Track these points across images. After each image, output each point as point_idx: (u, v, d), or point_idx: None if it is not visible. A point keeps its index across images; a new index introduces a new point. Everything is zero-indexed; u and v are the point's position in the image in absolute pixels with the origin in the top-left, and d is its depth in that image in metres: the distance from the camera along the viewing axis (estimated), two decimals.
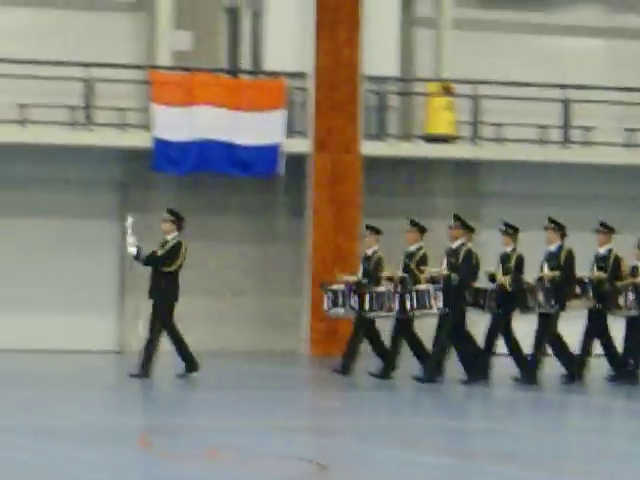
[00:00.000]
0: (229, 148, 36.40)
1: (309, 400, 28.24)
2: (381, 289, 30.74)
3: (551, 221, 30.95)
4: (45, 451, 19.78)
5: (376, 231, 31.46)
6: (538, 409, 28.48)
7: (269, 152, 36.57)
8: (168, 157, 36.30)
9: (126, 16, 38.67)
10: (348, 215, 33.07)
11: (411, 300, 29.97)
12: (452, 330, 30.50)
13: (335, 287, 31.36)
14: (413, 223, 31.17)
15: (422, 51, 39.67)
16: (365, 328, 31.33)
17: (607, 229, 31.77)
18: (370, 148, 36.92)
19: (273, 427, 23.87)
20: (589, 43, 40.98)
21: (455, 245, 30.20)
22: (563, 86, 39.18)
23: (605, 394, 30.86)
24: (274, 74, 37.52)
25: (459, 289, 30.09)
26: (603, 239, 31.58)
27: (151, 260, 30.18)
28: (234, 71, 38.49)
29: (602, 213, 32.05)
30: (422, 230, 31.14)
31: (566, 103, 39.39)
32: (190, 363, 30.26)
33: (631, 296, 31.01)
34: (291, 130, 36.97)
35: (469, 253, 30.31)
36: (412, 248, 30.61)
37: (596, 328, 31.56)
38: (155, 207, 34.62)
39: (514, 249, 30.66)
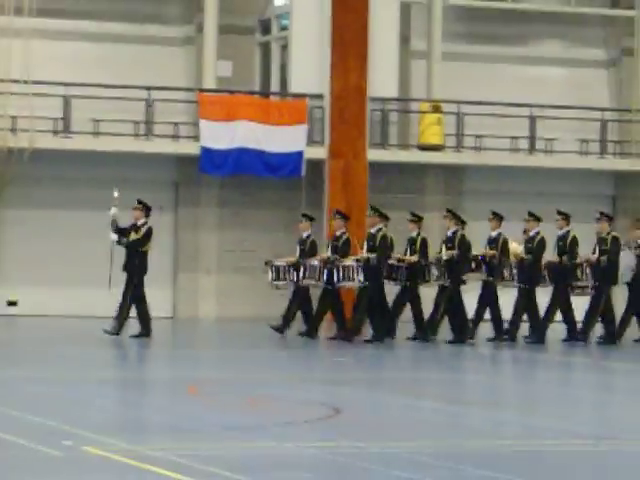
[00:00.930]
0: (261, 154, 36.35)
1: (324, 357, 28.23)
2: (314, 263, 30.82)
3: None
4: (113, 397, 19.91)
5: (310, 218, 31.81)
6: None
7: (293, 158, 36.52)
8: (212, 162, 36.28)
9: (180, 49, 38.75)
10: (356, 208, 33.00)
11: (337, 273, 30.18)
12: (369, 299, 30.55)
13: (277, 263, 31.61)
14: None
15: (416, 77, 39.57)
16: (301, 295, 31.51)
17: (497, 217, 31.51)
18: (374, 155, 36.88)
19: (297, 379, 23.96)
20: (551, 71, 40.98)
21: (373, 230, 30.35)
22: (530, 105, 39.11)
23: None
24: (298, 95, 37.48)
25: (377, 266, 30.04)
26: (495, 225, 31.37)
27: (132, 244, 30.00)
28: (265, 93, 38.53)
29: (561, 207, 31.80)
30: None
31: (532, 119, 39.32)
32: (146, 328, 30.08)
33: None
34: (311, 140, 36.87)
35: (384, 237, 30.31)
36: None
37: (487, 296, 31.43)
38: (202, 202, 34.80)
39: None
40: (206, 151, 36.27)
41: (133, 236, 29.44)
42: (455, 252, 30.10)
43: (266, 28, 39.14)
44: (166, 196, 35.30)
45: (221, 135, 36.40)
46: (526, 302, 31.23)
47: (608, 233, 31.36)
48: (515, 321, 31.43)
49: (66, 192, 31.21)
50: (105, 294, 30.09)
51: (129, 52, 37.79)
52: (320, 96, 36.77)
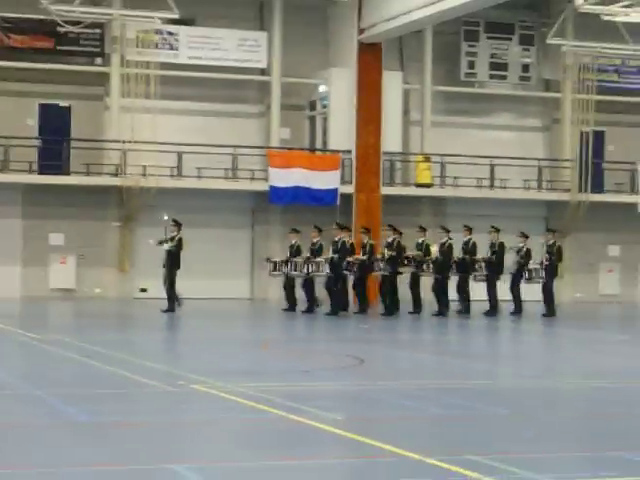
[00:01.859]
0: (309, 190, 36.50)
1: (351, 325, 28.13)
2: (299, 260, 30.26)
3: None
4: (212, 352, 20.03)
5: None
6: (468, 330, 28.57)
7: (331, 192, 36.66)
8: (277, 195, 36.46)
9: (255, 120, 38.77)
10: (374, 227, 32.93)
11: (309, 267, 29.96)
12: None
13: (274, 260, 31.08)
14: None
15: (413, 138, 39.63)
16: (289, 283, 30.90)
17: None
18: (385, 190, 37.10)
19: (334, 339, 24.06)
20: (504, 134, 40.74)
21: (336, 239, 29.81)
22: (490, 157, 39.18)
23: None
24: (334, 151, 37.60)
25: (339, 262, 29.55)
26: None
27: (172, 247, 29.11)
28: (312, 149, 38.59)
29: (514, 225, 31.85)
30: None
31: (492, 166, 39.37)
32: (172, 305, 29.04)
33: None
34: (343, 180, 37.01)
35: (344, 242, 29.77)
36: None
37: (415, 284, 30.72)
38: (270, 222, 34.78)
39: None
40: (273, 188, 36.49)
41: (170, 245, 29.12)
42: (393, 253, 29.92)
43: (312, 106, 39.23)
44: (245, 219, 35.34)
45: (283, 177, 36.58)
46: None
47: (554, 242, 30.92)
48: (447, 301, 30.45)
49: (179, 215, 31.33)
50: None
51: (222, 122, 37.94)
52: (349, 151, 36.99)
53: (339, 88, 37.59)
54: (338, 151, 37.39)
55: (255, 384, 14.44)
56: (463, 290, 30.62)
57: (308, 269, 30.26)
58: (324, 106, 38.37)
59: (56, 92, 36.74)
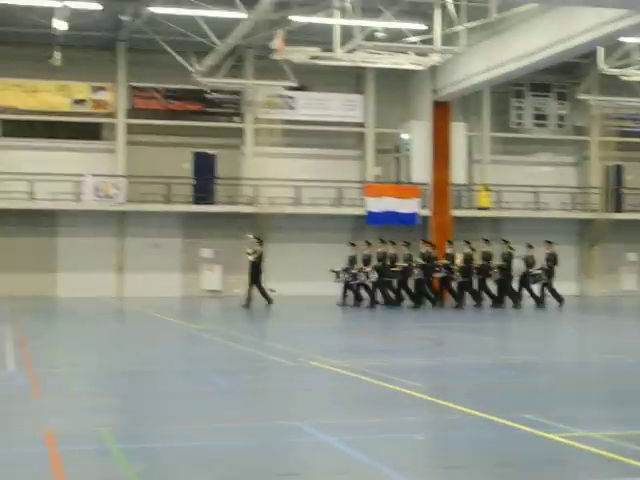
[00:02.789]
0: (397, 214, 36.34)
1: (428, 316, 27.77)
2: (354, 271, 29.55)
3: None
4: (325, 336, 19.99)
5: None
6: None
7: (413, 215, 36.46)
8: (372, 218, 36.35)
9: (354, 162, 38.67)
10: (440, 243, 32.46)
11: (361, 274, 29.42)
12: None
13: (336, 270, 30.31)
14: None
15: (476, 172, 39.34)
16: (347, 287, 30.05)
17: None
18: (455, 213, 36.70)
19: (417, 326, 23.89)
20: (544, 169, 40.51)
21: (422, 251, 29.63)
22: (535, 186, 38.91)
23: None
24: (415, 183, 37.43)
25: (424, 268, 28.99)
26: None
27: (255, 259, 28.39)
28: (398, 182, 38.42)
29: (553, 239, 31.28)
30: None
31: (536, 193, 39.11)
32: (269, 300, 28.35)
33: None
34: (422, 206, 36.77)
35: (430, 253, 29.53)
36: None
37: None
38: (367, 239, 34.56)
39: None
40: (369, 213, 36.42)
41: (254, 257, 28.60)
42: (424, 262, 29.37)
43: (398, 150, 38.98)
44: (347, 237, 35.19)
45: (376, 204, 36.45)
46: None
47: (552, 251, 30.00)
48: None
49: (297, 235, 31.34)
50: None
51: (329, 163, 37.95)
52: (427, 183, 36.68)
53: (418, 136, 37.43)
54: (418, 183, 37.19)
55: (355, 360, 14.41)
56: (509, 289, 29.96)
57: (362, 276, 29.54)
58: (407, 149, 38.19)
59: (205, 143, 37.14)
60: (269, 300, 28.59)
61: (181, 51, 33.50)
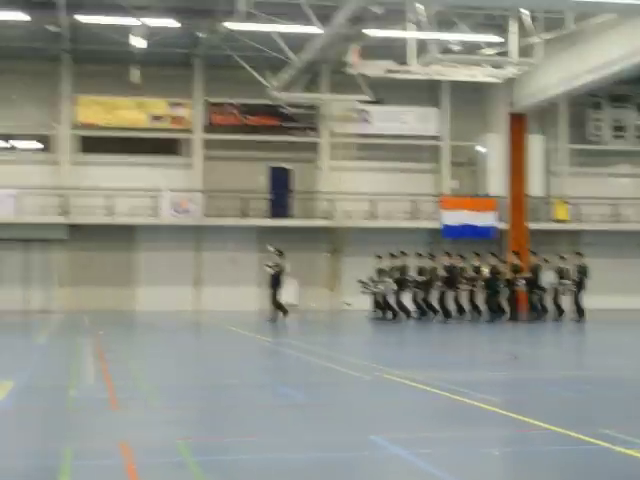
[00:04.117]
0: (473, 227, 36.23)
1: (505, 330, 27.58)
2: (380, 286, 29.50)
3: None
4: (390, 351, 19.80)
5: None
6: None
7: (490, 229, 36.31)
8: (448, 231, 36.28)
9: (429, 175, 38.72)
10: (523, 254, 32.27)
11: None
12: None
13: (364, 281, 30.15)
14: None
15: (553, 185, 39.07)
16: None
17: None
18: (532, 226, 36.30)
19: (489, 340, 23.61)
20: (624, 180, 40.14)
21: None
22: (614, 198, 38.39)
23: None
24: (492, 196, 37.23)
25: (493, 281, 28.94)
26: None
27: (275, 271, 28.41)
28: (475, 195, 38.21)
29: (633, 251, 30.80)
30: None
31: (615, 205, 38.65)
32: (284, 312, 28.20)
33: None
34: (499, 219, 36.53)
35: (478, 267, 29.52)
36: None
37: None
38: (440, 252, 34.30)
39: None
40: (445, 226, 36.40)
41: (274, 269, 28.49)
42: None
43: (474, 163, 38.85)
44: (423, 248, 34.99)
45: (452, 218, 36.46)
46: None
47: (582, 263, 29.80)
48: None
49: (372, 248, 31.32)
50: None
51: (404, 177, 38.15)
52: (504, 197, 36.40)
53: (494, 148, 37.32)
54: (494, 196, 36.98)
55: (430, 373, 14.29)
56: (555, 302, 29.83)
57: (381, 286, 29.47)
58: (483, 162, 38.07)
59: (281, 157, 37.37)
60: (284, 311, 28.46)
61: (257, 66, 33.78)
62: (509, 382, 14.28)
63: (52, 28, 32.71)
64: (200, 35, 33.74)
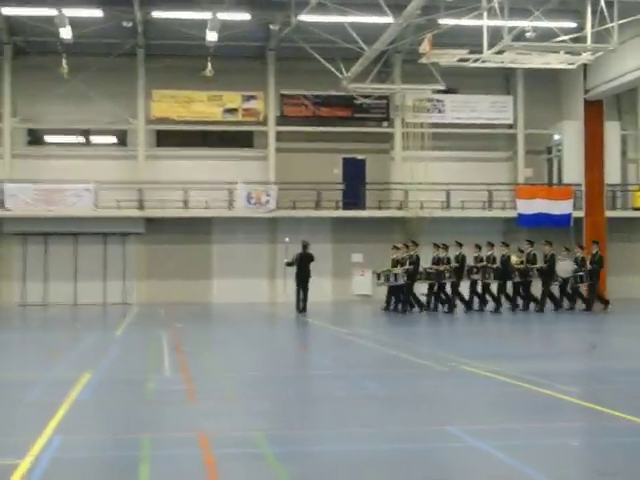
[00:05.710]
0: (549, 216, 35.71)
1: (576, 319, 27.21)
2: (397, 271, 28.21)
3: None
4: (474, 342, 19.70)
5: (415, 244, 29.19)
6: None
7: (566, 217, 35.68)
8: (524, 220, 35.70)
9: (505, 163, 38.29)
10: (600, 241, 31.71)
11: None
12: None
13: (379, 271, 29.21)
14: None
15: (630, 171, 38.45)
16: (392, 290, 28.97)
17: (504, 244, 29.85)
18: (609, 214, 35.73)
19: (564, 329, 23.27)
20: None
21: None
22: None
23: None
24: (567, 184, 36.75)
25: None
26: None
27: (290, 264, 28.38)
28: (550, 184, 37.76)
29: None
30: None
31: None
32: (304, 308, 27.62)
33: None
34: (575, 207, 36.04)
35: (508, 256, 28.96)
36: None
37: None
38: (519, 241, 33.80)
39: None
40: (520, 215, 35.77)
41: (292, 264, 28.45)
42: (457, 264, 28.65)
43: (549, 151, 38.43)
44: (499, 239, 34.58)
45: (528, 206, 35.79)
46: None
47: (597, 252, 29.24)
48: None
49: (446, 238, 31.04)
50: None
51: (479, 166, 37.69)
52: (579, 184, 35.92)
53: (570, 136, 36.81)
54: (571, 184, 36.52)
55: (506, 364, 14.19)
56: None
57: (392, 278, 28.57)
58: (558, 150, 37.63)
59: (354, 148, 37.31)
60: (303, 307, 27.97)
61: (329, 58, 33.75)
62: (589, 372, 14.10)
63: (127, 24, 33.18)
64: (272, 27, 33.88)
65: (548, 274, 29.02)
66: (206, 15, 30.81)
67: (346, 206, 36.54)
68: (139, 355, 16.51)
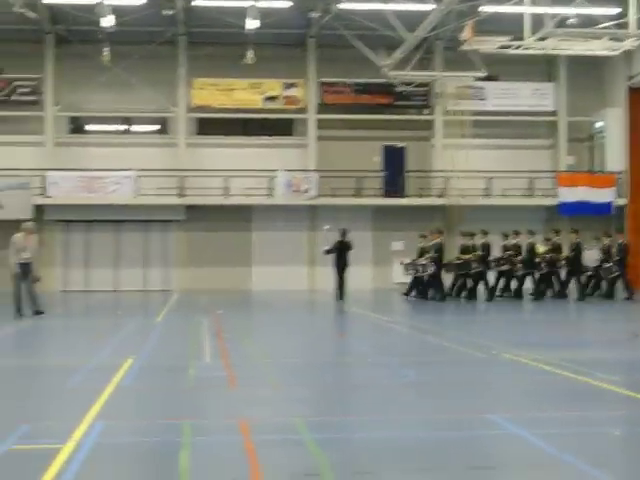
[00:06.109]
0: (591, 203, 35.51)
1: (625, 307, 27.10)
2: (423, 262, 28.30)
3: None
4: (521, 331, 19.61)
5: (440, 232, 29.28)
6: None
7: (608, 205, 35.56)
8: (565, 208, 35.62)
9: (546, 151, 38.02)
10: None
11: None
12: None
13: (405, 263, 29.64)
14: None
15: None
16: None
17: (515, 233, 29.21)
18: None
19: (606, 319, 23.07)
20: None
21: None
22: None
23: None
24: (610, 172, 36.48)
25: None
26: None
27: (328, 252, 28.18)
28: (592, 171, 37.38)
29: None
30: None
31: None
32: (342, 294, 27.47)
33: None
34: (617, 195, 35.83)
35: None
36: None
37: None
38: (559, 226, 33.59)
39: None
40: (562, 203, 35.73)
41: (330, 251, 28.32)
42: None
43: (591, 138, 38.10)
44: (539, 228, 34.30)
45: (569, 194, 35.75)
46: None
47: (622, 241, 28.86)
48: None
49: (487, 226, 30.90)
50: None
51: (520, 153, 37.45)
52: (622, 172, 35.63)
53: (612, 123, 36.53)
54: (613, 172, 36.23)
55: (548, 353, 14.11)
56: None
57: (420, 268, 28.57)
58: (601, 138, 37.33)
59: (394, 136, 37.22)
60: (341, 295, 27.87)
61: (370, 45, 33.69)
62: (632, 361, 13.98)
63: (167, 12, 33.31)
64: (313, 15, 33.84)
65: (575, 263, 28.70)
66: (246, 3, 30.85)
67: (386, 194, 36.48)
68: (180, 341, 16.60)
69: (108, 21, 31.24)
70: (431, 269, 28.04)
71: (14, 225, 24.01)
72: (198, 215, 35.67)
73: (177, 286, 35.57)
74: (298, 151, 36.94)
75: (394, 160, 37.09)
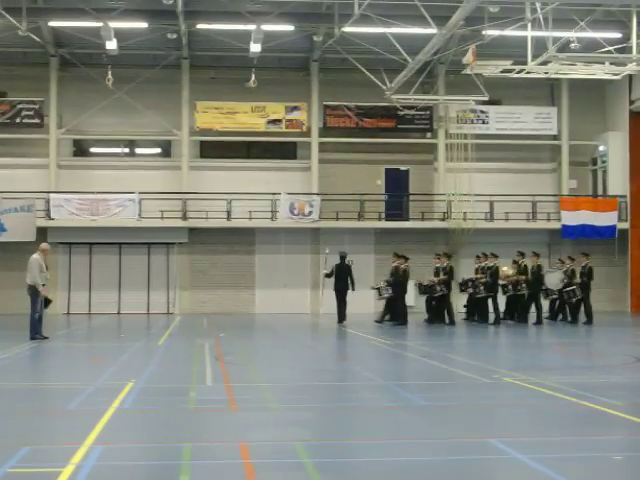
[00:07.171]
0: (593, 227, 35.53)
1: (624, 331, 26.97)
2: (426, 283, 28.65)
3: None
4: (511, 353, 19.51)
5: (448, 256, 29.22)
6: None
7: (610, 228, 35.55)
8: (568, 231, 35.63)
9: (548, 175, 38.01)
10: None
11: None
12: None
13: (377, 286, 29.22)
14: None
15: None
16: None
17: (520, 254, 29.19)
18: None
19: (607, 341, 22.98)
20: None
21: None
22: None
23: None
24: (612, 196, 36.47)
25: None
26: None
27: (328, 276, 28.68)
28: (595, 195, 37.50)
29: None
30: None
31: None
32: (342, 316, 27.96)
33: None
34: (620, 219, 35.80)
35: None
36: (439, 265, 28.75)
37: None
38: (562, 252, 33.54)
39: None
40: (565, 226, 35.71)
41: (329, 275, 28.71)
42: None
43: (594, 162, 38.08)
44: (543, 251, 34.28)
45: (572, 218, 35.75)
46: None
47: (586, 264, 28.91)
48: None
49: (491, 249, 30.93)
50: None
51: (523, 177, 37.56)
52: (624, 196, 35.67)
53: (615, 147, 36.56)
54: (616, 196, 36.24)
55: (549, 376, 14.11)
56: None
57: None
58: (603, 161, 37.35)
59: (397, 159, 37.26)
60: (340, 318, 28.13)
61: (372, 69, 33.77)
62: (632, 385, 13.94)
63: (171, 35, 33.48)
64: (316, 39, 34.00)
65: (534, 286, 28.63)
66: (250, 27, 30.99)
67: (389, 217, 36.49)
68: (182, 364, 16.57)
69: (112, 44, 31.41)
70: (441, 290, 28.22)
71: (18, 247, 24.04)
72: (201, 238, 35.68)
73: (179, 309, 35.54)
74: (301, 174, 36.98)
75: (397, 183, 37.14)
